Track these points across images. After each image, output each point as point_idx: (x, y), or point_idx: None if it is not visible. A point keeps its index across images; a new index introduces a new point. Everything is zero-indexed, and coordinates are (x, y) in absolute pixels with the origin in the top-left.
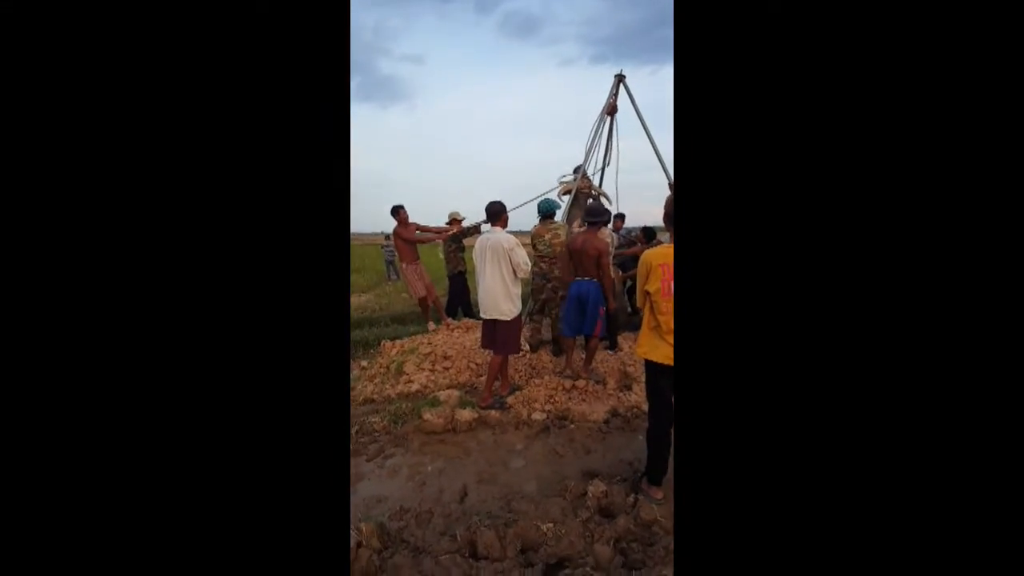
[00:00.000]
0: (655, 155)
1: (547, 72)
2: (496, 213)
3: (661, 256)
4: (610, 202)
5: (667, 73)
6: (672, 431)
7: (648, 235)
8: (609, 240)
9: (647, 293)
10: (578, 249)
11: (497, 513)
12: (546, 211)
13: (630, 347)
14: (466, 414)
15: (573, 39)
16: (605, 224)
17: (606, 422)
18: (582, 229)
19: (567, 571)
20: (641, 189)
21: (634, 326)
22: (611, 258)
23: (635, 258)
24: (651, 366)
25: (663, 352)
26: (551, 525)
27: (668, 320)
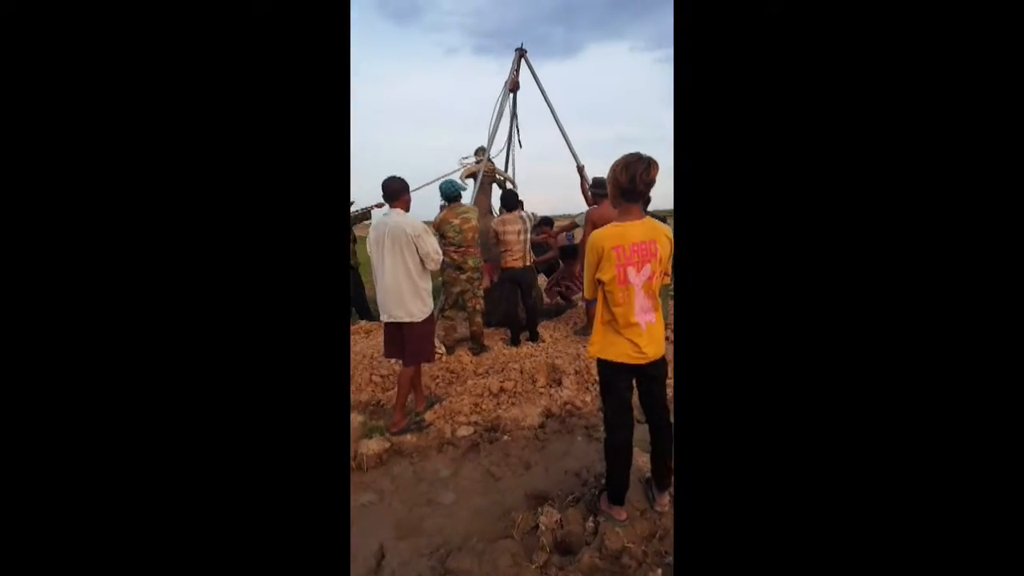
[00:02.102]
0: (559, 131)
1: (433, 60)
2: (395, 192)
3: (614, 237)
4: (515, 186)
5: (552, 68)
6: (632, 440)
7: (548, 223)
8: (526, 222)
9: (599, 283)
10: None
11: None
12: (451, 194)
13: (551, 337)
14: (373, 445)
15: (456, 28)
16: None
17: (541, 426)
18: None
19: None
20: (538, 179)
21: (548, 314)
22: (528, 242)
23: (545, 245)
24: (606, 366)
25: (620, 349)
26: None
27: (626, 312)
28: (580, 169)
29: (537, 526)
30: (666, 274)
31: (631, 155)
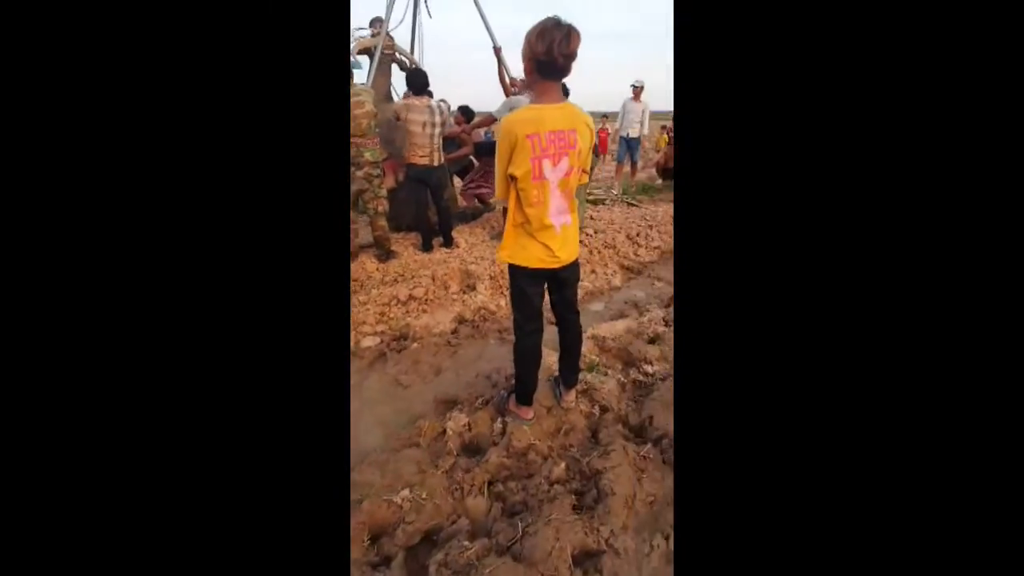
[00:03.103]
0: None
1: None
2: None
3: (529, 122)
4: (417, 65)
5: None
6: (541, 343)
7: (467, 115)
8: (437, 114)
9: (512, 179)
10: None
11: None
12: None
13: (467, 242)
14: None
15: None
16: None
17: (454, 332)
18: None
19: (437, 555)
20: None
21: (464, 218)
22: (438, 137)
23: (458, 140)
24: (517, 272)
25: (533, 254)
26: (407, 492)
27: (540, 213)
28: (497, 51)
29: (445, 431)
30: (584, 171)
31: (548, 19)
